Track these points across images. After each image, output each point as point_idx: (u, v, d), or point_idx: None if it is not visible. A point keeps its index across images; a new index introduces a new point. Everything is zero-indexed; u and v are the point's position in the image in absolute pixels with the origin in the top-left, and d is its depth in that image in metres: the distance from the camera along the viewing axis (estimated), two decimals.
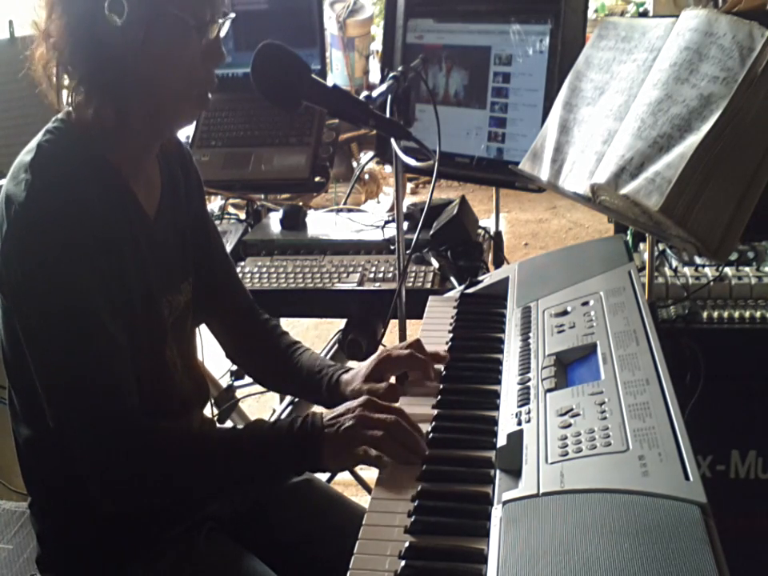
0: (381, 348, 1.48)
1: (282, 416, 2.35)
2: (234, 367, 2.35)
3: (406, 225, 1.98)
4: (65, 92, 1.26)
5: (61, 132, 1.23)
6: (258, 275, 2.04)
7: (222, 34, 1.27)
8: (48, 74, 1.24)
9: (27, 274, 1.16)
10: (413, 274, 1.96)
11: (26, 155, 1.20)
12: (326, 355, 2.05)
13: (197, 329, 1.51)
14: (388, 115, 1.52)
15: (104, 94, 1.23)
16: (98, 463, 1.18)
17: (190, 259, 1.42)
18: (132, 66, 1.21)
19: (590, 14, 4.40)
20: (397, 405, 1.29)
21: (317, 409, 1.33)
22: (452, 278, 1.94)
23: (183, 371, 1.38)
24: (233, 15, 1.29)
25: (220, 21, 1.26)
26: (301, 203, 2.92)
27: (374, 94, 1.51)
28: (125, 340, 1.21)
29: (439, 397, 1.33)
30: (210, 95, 1.28)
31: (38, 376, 1.18)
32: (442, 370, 1.41)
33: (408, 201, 2.32)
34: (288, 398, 2.47)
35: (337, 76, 5.68)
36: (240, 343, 1.57)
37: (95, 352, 1.17)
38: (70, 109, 1.25)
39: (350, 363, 1.90)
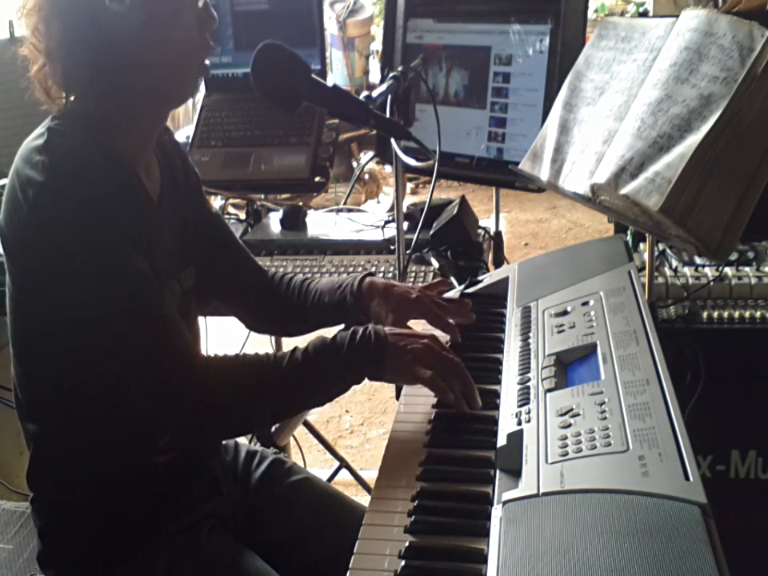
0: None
1: None
2: None
3: (406, 225, 1.98)
4: (67, 98, 1.27)
5: (68, 118, 1.24)
6: None
7: None
8: (47, 88, 1.25)
9: (58, 250, 1.15)
10: (413, 274, 1.96)
11: (35, 140, 1.20)
12: None
13: (198, 322, 1.50)
14: (388, 115, 1.52)
15: (109, 88, 1.24)
16: (176, 408, 1.20)
17: (190, 248, 1.43)
18: (135, 49, 1.22)
19: (590, 14, 4.40)
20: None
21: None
22: (452, 278, 1.94)
23: None
24: None
25: None
26: (301, 203, 2.92)
27: (374, 94, 1.51)
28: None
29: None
30: (207, 62, 1.30)
31: (87, 351, 1.18)
32: None
33: (408, 201, 2.32)
34: None
35: (337, 76, 5.68)
36: (258, 308, 1.61)
37: (147, 306, 1.19)
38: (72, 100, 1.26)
39: None
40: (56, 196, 1.15)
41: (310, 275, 1.59)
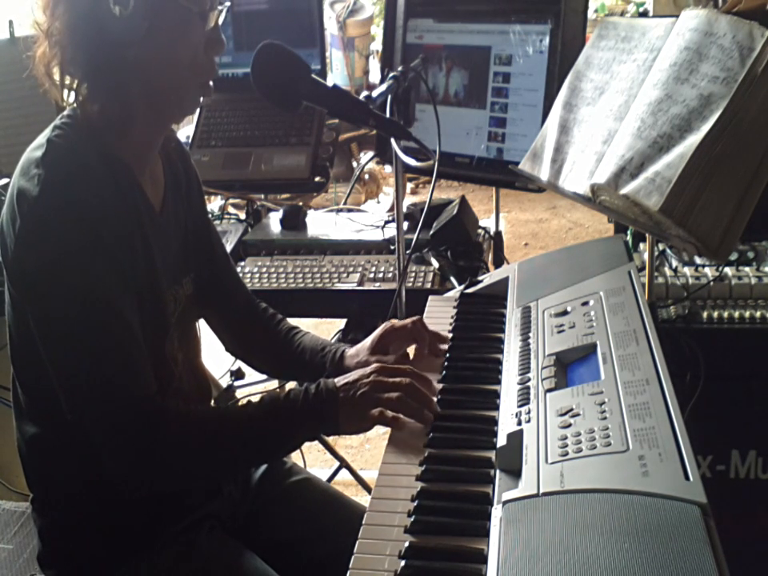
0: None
1: None
2: (234, 367, 2.35)
3: (406, 225, 1.98)
4: (70, 90, 1.26)
5: (69, 127, 1.23)
6: (257, 275, 2.04)
7: (221, 21, 1.28)
8: (50, 73, 1.24)
9: (43, 266, 1.15)
10: (413, 274, 1.96)
11: (35, 151, 1.20)
12: None
13: (197, 329, 1.51)
14: (388, 115, 1.51)
15: (108, 89, 1.23)
16: (122, 451, 1.18)
17: (191, 255, 1.43)
18: (136, 57, 1.21)
19: (590, 14, 4.40)
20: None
21: None
22: (452, 278, 1.94)
23: (184, 367, 1.39)
24: (228, 3, 1.30)
25: (219, 8, 1.27)
26: (301, 203, 2.92)
27: (374, 94, 1.51)
28: (138, 328, 1.22)
29: (439, 396, 1.33)
30: (211, 83, 1.29)
31: (55, 368, 1.18)
32: (442, 370, 1.41)
33: (408, 201, 2.32)
34: None
35: (337, 76, 5.68)
36: (240, 335, 1.58)
37: (113, 339, 1.17)
38: (75, 105, 1.25)
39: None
40: (47, 212, 1.15)
41: (299, 327, 1.57)
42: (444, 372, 1.40)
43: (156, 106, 1.27)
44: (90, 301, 1.16)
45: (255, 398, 1.30)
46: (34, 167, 1.17)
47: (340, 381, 1.26)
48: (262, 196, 2.50)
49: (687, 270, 1.88)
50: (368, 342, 1.45)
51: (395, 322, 1.47)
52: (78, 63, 1.22)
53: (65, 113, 1.26)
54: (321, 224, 2.34)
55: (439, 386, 1.36)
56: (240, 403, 1.28)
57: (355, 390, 1.24)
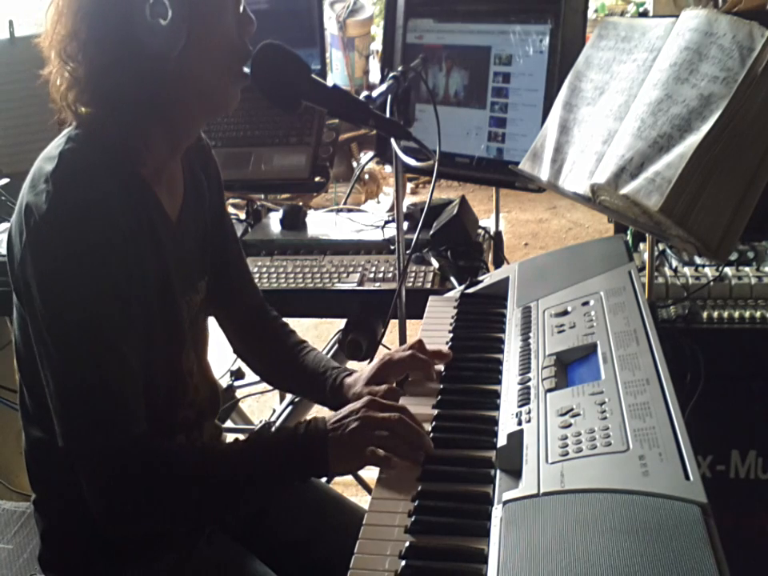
0: (382, 350, 1.47)
1: (282, 416, 2.35)
2: (234, 367, 2.35)
3: (406, 225, 1.98)
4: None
5: (83, 140, 1.19)
6: (258, 275, 2.04)
7: None
8: (74, 110, 1.20)
9: (43, 283, 1.13)
10: (413, 274, 1.96)
11: (46, 163, 1.17)
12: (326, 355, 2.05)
13: (207, 330, 1.48)
14: (388, 115, 1.52)
15: (146, 103, 1.21)
16: (103, 488, 1.14)
17: (207, 258, 1.42)
18: (177, 62, 1.18)
19: (590, 14, 4.40)
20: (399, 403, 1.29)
21: (318, 413, 1.32)
22: (452, 278, 1.94)
23: (199, 376, 1.38)
24: None
25: None
26: (301, 203, 2.92)
27: (374, 94, 1.51)
28: (138, 361, 1.18)
29: (439, 397, 1.33)
30: (246, 69, 1.27)
31: (47, 391, 1.16)
32: (442, 370, 1.41)
33: (408, 201, 2.32)
34: (288, 399, 2.48)
35: (337, 76, 5.69)
36: (247, 340, 1.57)
37: (105, 370, 1.14)
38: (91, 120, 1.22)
39: (351, 364, 1.90)
40: (52, 232, 1.12)
41: (306, 342, 1.56)
42: (444, 372, 1.40)
43: (199, 106, 1.24)
44: (83, 327, 1.13)
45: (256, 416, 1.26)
46: (42, 182, 1.14)
47: (330, 418, 1.21)
48: (262, 196, 2.50)
49: (687, 270, 1.88)
50: (366, 372, 1.42)
51: (394, 353, 1.44)
52: (112, 95, 1.19)
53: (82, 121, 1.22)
54: (321, 224, 2.34)
55: (439, 387, 1.36)
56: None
57: (344, 427, 1.19)
